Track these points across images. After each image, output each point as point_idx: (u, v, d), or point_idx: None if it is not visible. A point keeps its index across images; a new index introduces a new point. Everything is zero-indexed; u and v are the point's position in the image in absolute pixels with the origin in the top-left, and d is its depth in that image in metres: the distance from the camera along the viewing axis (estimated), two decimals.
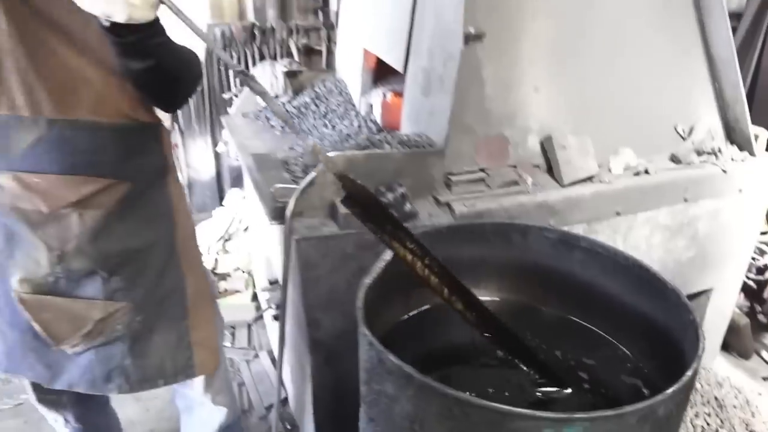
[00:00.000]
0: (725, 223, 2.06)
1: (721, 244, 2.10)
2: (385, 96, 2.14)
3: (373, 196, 1.16)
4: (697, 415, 2.00)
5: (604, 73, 1.85)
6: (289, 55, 3.35)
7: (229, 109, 2.59)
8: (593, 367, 1.31)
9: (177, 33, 1.19)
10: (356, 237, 1.51)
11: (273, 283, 2.54)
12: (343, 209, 1.49)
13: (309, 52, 3.50)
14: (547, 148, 1.78)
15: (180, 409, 1.74)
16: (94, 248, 1.29)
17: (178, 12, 1.05)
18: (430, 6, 1.73)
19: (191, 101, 3.32)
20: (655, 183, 1.85)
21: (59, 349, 1.37)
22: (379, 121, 2.14)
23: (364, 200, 1.14)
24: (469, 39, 1.56)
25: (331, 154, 1.52)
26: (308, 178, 1.51)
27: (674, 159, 1.98)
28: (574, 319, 1.43)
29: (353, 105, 2.32)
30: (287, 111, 2.27)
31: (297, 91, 2.34)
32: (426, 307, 1.46)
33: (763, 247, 2.76)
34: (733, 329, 2.49)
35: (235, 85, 3.27)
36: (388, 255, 1.28)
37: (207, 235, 3.19)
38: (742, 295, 2.68)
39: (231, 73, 3.39)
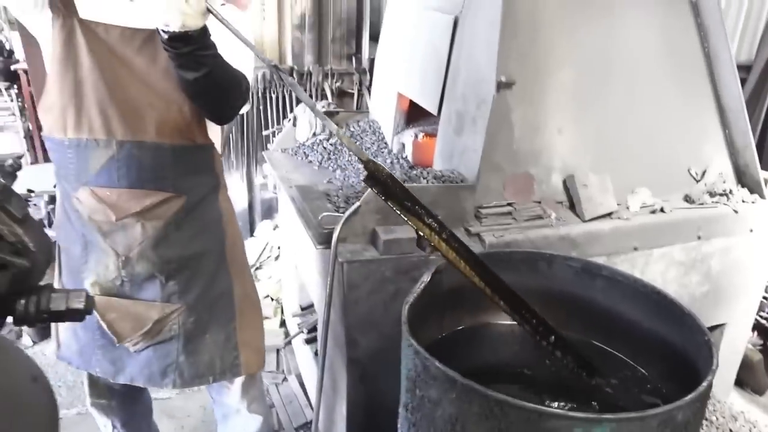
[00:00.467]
0: (737, 261, 2.17)
1: (733, 280, 2.20)
2: (416, 136, 2.31)
3: (392, 175, 1.29)
4: None
5: (622, 119, 2.01)
6: (324, 97, 3.59)
7: (268, 145, 2.78)
8: (616, 386, 1.42)
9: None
10: (395, 262, 1.65)
11: (305, 308, 2.67)
12: (384, 236, 1.64)
13: (342, 95, 3.75)
14: (569, 185, 1.93)
15: (217, 419, 1.86)
16: (154, 254, 1.47)
17: (223, 20, 1.22)
18: (465, 57, 1.92)
19: (230, 137, 3.54)
20: (670, 221, 1.98)
21: (122, 346, 1.52)
22: (410, 158, 2.31)
23: (384, 180, 1.28)
24: (500, 86, 1.74)
25: None
26: (352, 207, 1.67)
27: (688, 199, 2.11)
28: (596, 343, 1.54)
29: (386, 143, 2.49)
30: (325, 148, 2.46)
31: None
32: (459, 327, 1.59)
33: None
34: (746, 365, 2.57)
35: (277, 124, 3.48)
36: (426, 277, 1.42)
37: None
38: (756, 333, 2.76)
39: (270, 111, 3.61)
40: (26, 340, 2.99)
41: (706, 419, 2.12)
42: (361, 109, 3.67)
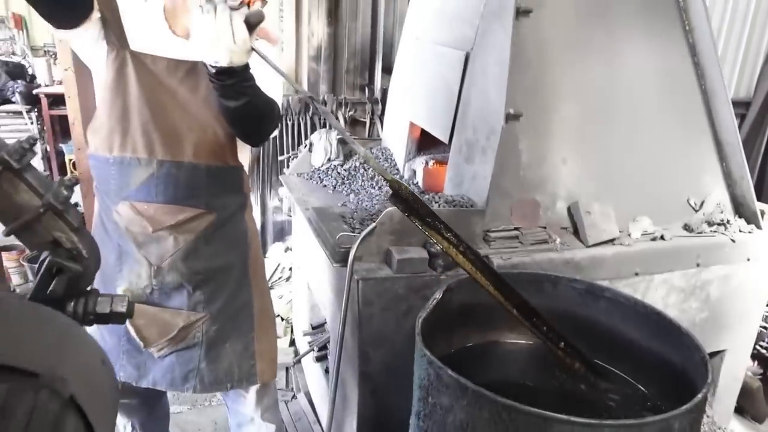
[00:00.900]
0: (735, 288, 2.25)
1: (732, 307, 2.28)
2: (427, 163, 2.43)
3: (413, 193, 1.40)
4: None
5: (624, 150, 2.12)
6: None
7: (284, 170, 2.90)
8: (618, 402, 1.49)
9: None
10: (407, 280, 1.75)
11: (316, 327, 2.75)
12: (398, 255, 1.73)
13: (354, 123, 3.89)
14: (573, 212, 2.02)
15: (231, 427, 1.93)
16: (184, 265, 1.57)
17: (264, 57, 1.34)
18: (476, 90, 2.04)
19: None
20: (670, 248, 2.07)
21: (146, 351, 1.61)
22: (421, 184, 2.42)
23: (407, 197, 1.39)
24: (509, 118, 1.86)
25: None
26: (368, 228, 1.77)
27: (687, 228, 2.20)
28: (599, 362, 1.61)
29: (398, 170, 2.61)
30: (339, 173, 2.57)
31: (348, 157, 2.65)
32: (468, 344, 1.67)
33: None
34: (746, 393, 2.62)
35: (292, 150, 3.62)
36: (438, 294, 1.51)
37: None
38: (756, 362, 2.81)
39: (285, 138, 3.74)
40: None
41: None
42: (373, 136, 3.81)
